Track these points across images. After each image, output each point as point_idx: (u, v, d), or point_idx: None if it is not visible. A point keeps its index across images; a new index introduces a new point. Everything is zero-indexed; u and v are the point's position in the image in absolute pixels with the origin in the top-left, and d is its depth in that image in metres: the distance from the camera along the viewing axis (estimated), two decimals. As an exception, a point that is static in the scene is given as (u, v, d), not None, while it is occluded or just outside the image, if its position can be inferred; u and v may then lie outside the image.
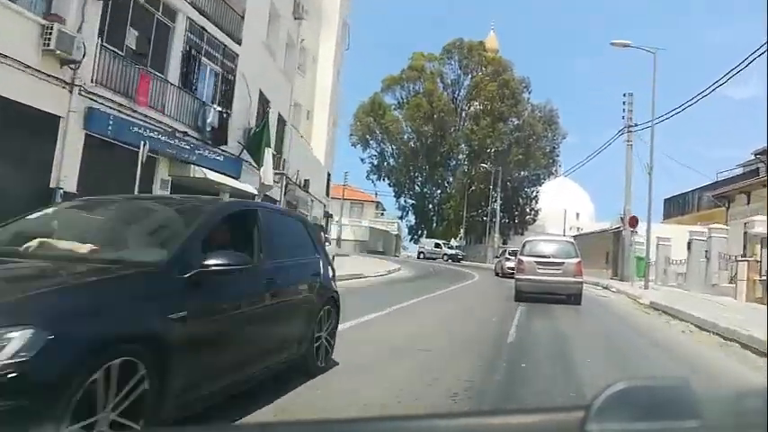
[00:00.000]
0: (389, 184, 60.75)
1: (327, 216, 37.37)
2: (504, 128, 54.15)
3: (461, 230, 57.03)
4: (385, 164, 60.55)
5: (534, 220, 61.54)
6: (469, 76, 57.63)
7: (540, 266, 13.45)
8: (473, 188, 56.68)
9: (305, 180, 28.18)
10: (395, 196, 60.64)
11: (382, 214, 74.23)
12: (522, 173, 58.53)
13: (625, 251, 26.75)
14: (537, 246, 14.46)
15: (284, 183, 24.75)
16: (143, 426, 2.22)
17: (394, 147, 59.03)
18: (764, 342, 7.03)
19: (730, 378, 6.26)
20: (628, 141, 27.38)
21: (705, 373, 6.49)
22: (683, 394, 0.75)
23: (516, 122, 56.60)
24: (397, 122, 57.20)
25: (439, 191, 60.05)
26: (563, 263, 13.37)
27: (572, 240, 16.56)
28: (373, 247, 60.73)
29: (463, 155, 57.97)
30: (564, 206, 66.28)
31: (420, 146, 58.38)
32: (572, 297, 13.43)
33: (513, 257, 28.03)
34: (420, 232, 60.78)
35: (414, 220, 62.04)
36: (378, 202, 73.51)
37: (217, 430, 1.21)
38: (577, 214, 71.25)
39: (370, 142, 59.62)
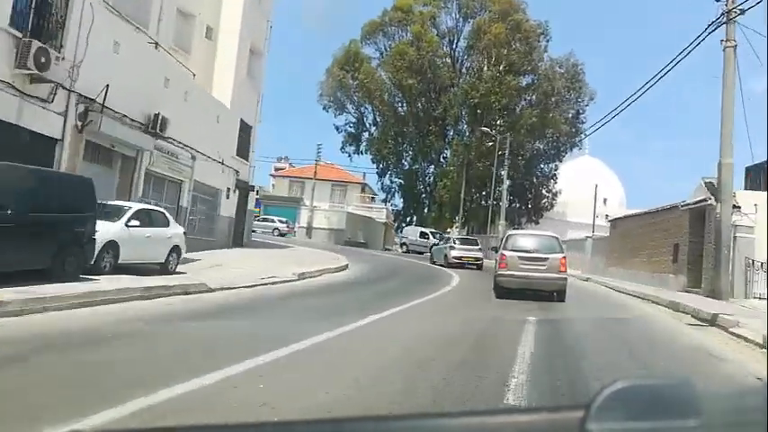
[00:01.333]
0: (373, 160, 48.68)
1: (247, 189, 25.46)
2: (514, 81, 41.52)
3: (459, 217, 44.83)
4: (366, 133, 48.47)
5: (552, 206, 49.12)
6: (470, 21, 45.17)
7: (522, 261, 12.97)
8: (475, 164, 44.41)
9: (155, 115, 16.26)
10: (377, 174, 48.63)
11: (373, 198, 62.10)
12: (538, 144, 46.03)
13: (722, 243, 14.40)
14: (520, 240, 13.92)
15: (70, 101, 12.90)
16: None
17: (375, 110, 46.83)
18: None
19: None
20: (726, 41, 15.05)
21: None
22: (682, 393, 0.74)
23: (531, 78, 43.99)
24: (377, 77, 44.87)
25: (432, 167, 47.85)
26: (547, 258, 12.92)
27: (556, 235, 14.92)
28: (353, 238, 48.79)
29: (462, 120, 45.59)
30: (589, 190, 53.88)
31: (408, 109, 46.17)
32: (555, 294, 12.94)
33: (457, 245, 25.76)
34: (409, 219, 48.65)
35: (401, 204, 49.98)
36: (364, 184, 61.43)
37: (217, 430, 1.14)
38: (605, 200, 58.49)
39: (347, 105, 47.54)
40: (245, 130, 24.83)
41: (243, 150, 24.73)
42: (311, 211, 50.84)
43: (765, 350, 6.91)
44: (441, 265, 25.17)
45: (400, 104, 46.73)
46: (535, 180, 47.78)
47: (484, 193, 46.25)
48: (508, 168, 40.01)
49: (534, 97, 44.87)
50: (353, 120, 47.55)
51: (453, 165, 44.42)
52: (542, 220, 49.29)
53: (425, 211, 47.60)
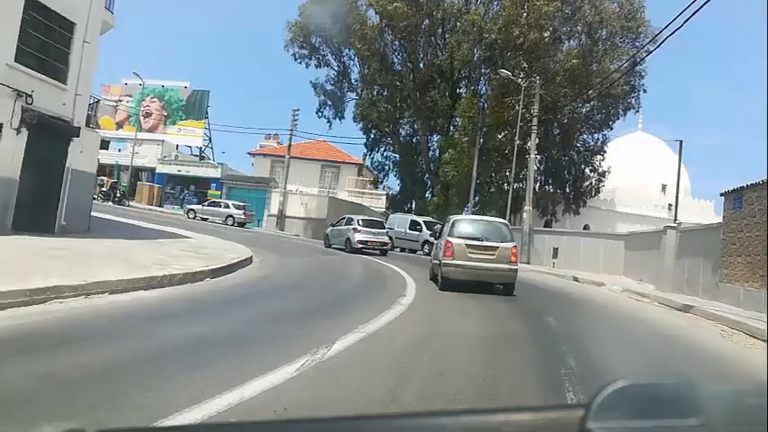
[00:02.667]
0: (362, 129, 37.35)
1: (64, 132, 14.34)
2: (547, 6, 29.29)
3: (471, 203, 33.15)
4: (352, 93, 37.18)
5: (598, 190, 37.04)
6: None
7: (471, 250, 11.66)
8: (493, 133, 32.82)
9: None
10: (365, 146, 37.40)
11: (374, 183, 50.64)
12: (579, 105, 33.97)
13: None
14: (468, 226, 12.46)
15: None
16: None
17: (360, 59, 35.38)
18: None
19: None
20: None
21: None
22: (683, 392, 0.74)
23: (570, 10, 31.82)
24: (359, 7, 33.31)
25: (436, 138, 36.26)
26: (497, 247, 11.74)
27: (505, 221, 14.06)
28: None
29: (476, 70, 33.83)
30: (641, 173, 41.73)
31: (404, 57, 34.68)
32: (504, 286, 11.80)
33: (362, 227, 23.07)
34: (408, 206, 37.16)
35: (398, 187, 38.63)
36: (361, 165, 50.07)
37: (217, 429, 1.14)
38: (664, 186, 46.09)
39: (326, 56, 36.24)
40: (56, 25, 13.78)
41: (49, 60, 13.68)
42: (282, 196, 39.80)
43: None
44: (341, 250, 22.76)
45: (395, 53, 35.19)
46: (575, 155, 35.75)
47: (507, 172, 34.48)
48: (538, 135, 28.30)
49: (574, 42, 32.87)
50: (335, 73, 36.21)
51: (464, 130, 32.71)
52: (584, 210, 37.35)
53: (428, 195, 36.08)
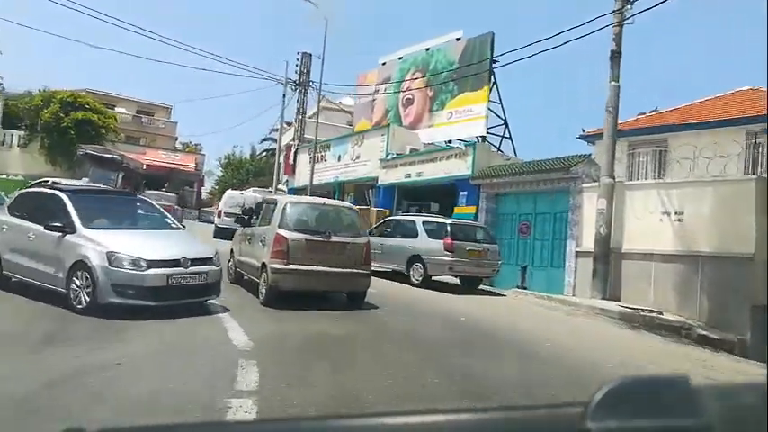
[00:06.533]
0: None
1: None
2: None
3: None
4: None
5: None
6: None
7: (312, 248, 8.62)
8: None
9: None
10: None
11: None
12: None
13: None
14: (305, 212, 9.29)
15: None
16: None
17: None
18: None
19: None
20: None
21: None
22: (682, 390, 0.74)
23: None
24: None
25: None
26: (347, 243, 8.94)
27: (352, 206, 11.03)
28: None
29: None
30: None
31: None
32: (352, 296, 9.16)
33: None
34: None
35: None
36: None
37: (217, 428, 1.12)
38: None
39: None
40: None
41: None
42: (606, 200, 13.56)
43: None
44: None
45: None
46: None
47: None
48: None
49: None
50: None
51: None
52: None
53: None
